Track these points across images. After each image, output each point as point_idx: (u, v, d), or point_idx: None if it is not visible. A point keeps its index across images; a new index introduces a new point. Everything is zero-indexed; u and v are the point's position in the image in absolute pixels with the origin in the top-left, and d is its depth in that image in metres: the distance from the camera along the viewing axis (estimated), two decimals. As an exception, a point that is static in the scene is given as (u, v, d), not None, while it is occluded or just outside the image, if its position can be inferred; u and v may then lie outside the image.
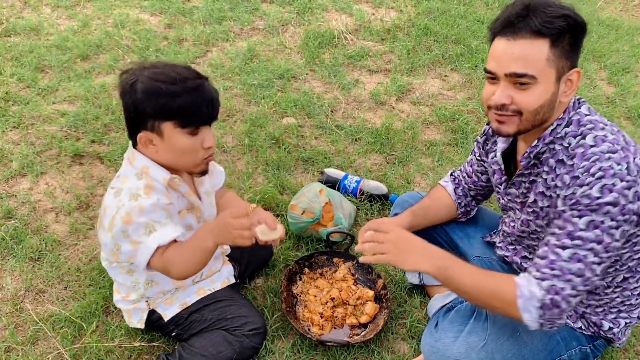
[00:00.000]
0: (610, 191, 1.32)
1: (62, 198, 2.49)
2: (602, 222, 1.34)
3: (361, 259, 1.56)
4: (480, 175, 1.89)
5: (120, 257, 1.62)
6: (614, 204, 1.33)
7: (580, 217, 1.36)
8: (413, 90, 3.39)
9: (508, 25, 1.39)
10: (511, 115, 1.44)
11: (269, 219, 1.63)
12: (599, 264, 1.37)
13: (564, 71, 1.41)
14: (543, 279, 1.40)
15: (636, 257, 1.52)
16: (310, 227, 2.26)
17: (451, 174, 2.01)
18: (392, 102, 3.28)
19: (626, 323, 1.65)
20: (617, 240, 1.37)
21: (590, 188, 1.34)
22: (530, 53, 1.37)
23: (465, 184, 1.94)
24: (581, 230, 1.36)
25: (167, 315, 1.79)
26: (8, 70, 3.37)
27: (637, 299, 1.63)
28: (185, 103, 1.48)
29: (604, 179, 1.33)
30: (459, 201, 1.96)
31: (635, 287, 1.60)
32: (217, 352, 1.74)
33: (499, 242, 1.87)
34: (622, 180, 1.33)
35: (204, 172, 1.67)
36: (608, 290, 1.58)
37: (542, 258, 1.42)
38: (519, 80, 1.39)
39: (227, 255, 1.99)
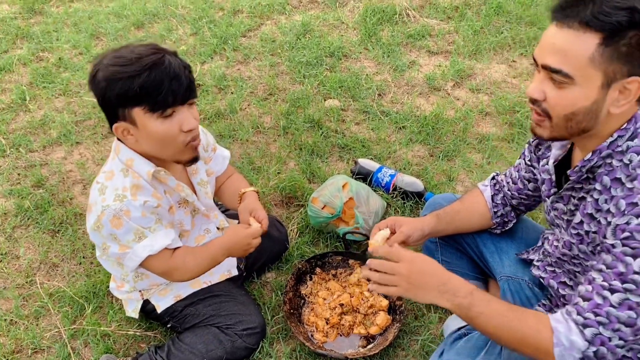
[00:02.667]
0: None
1: (92, 170, 2.49)
2: None
3: (370, 287, 1.38)
4: (527, 182, 1.64)
5: (108, 256, 1.56)
6: None
7: (634, 256, 1.12)
8: (474, 75, 3.09)
9: (559, 9, 1.14)
10: (542, 117, 1.22)
11: (241, 214, 1.72)
12: None
13: (615, 77, 1.13)
14: (586, 325, 1.18)
15: None
16: (330, 222, 2.10)
17: (493, 178, 1.77)
18: (448, 87, 3.00)
19: None
20: None
21: None
22: (572, 47, 1.11)
23: (507, 190, 1.70)
24: (635, 273, 1.12)
25: (160, 307, 1.72)
26: (64, 36, 3.42)
27: None
28: (144, 82, 1.34)
29: None
30: (495, 210, 1.72)
31: None
32: (206, 350, 1.66)
33: (537, 261, 1.62)
34: None
35: (193, 160, 1.53)
36: None
37: (586, 300, 1.19)
38: (553, 76, 1.15)
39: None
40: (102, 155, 2.54)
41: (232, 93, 2.97)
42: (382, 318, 1.82)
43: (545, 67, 1.16)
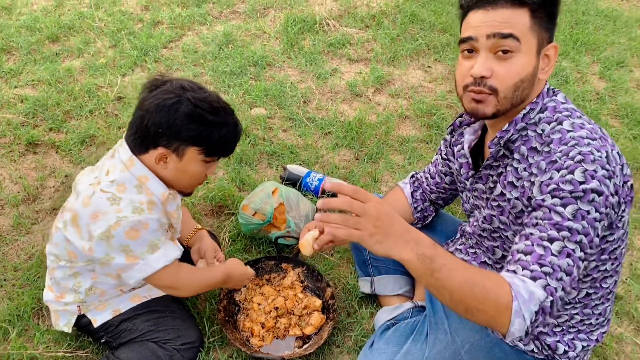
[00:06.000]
0: (593, 178, 1.17)
1: (10, 189, 2.39)
2: (588, 212, 1.17)
3: (326, 229, 1.10)
4: (444, 176, 1.75)
5: (107, 267, 1.55)
6: (598, 192, 1.17)
7: (564, 205, 1.18)
8: (392, 81, 3.23)
9: None
10: (488, 94, 1.29)
11: (209, 252, 1.81)
12: (583, 260, 1.18)
13: (543, 43, 1.28)
14: (535, 278, 1.15)
15: (602, 267, 1.38)
16: (262, 228, 2.14)
17: (412, 176, 1.87)
18: (369, 93, 3.12)
19: (583, 347, 1.51)
20: (597, 237, 1.20)
21: (572, 172, 1.18)
22: (513, 20, 1.24)
23: (426, 186, 1.81)
24: (569, 220, 1.17)
25: (97, 321, 1.69)
26: (-28, 51, 3.25)
27: (597, 319, 1.49)
28: (222, 136, 1.51)
29: (584, 163, 1.18)
30: (415, 205, 1.83)
31: (596, 305, 1.46)
32: (143, 366, 1.64)
33: (460, 245, 1.73)
34: (602, 168, 1.18)
35: (190, 194, 1.69)
36: (568, 306, 1.43)
37: (527, 253, 1.18)
38: (503, 43, 1.24)
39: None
40: (20, 174, 2.44)
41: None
42: (316, 318, 1.88)
43: (495, 35, 1.24)
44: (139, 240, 1.49)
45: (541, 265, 1.15)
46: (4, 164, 2.51)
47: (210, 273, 1.73)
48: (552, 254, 1.15)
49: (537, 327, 1.22)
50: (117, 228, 1.46)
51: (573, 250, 1.16)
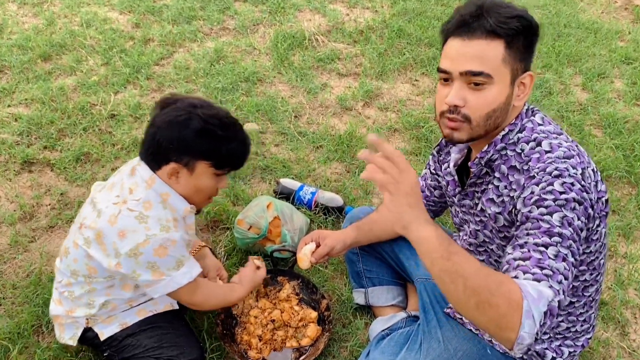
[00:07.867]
0: (571, 189, 1.24)
1: (5, 208, 2.41)
2: (572, 219, 1.22)
3: (367, 171, 1.17)
4: (433, 190, 1.82)
5: (130, 280, 1.60)
6: (579, 201, 1.23)
7: (550, 213, 1.22)
8: (381, 95, 3.31)
9: (462, 25, 1.33)
10: (461, 122, 1.37)
11: (211, 272, 1.86)
12: (574, 266, 1.21)
13: (517, 73, 1.35)
14: (538, 280, 1.14)
15: (582, 278, 1.45)
16: (257, 242, 2.18)
17: None
18: (359, 107, 3.19)
19: (570, 352, 1.57)
20: (581, 245, 1.25)
21: (551, 184, 1.25)
22: (486, 53, 1.31)
23: None
24: (558, 227, 1.21)
25: (103, 334, 1.71)
26: (-36, 71, 3.28)
27: (582, 325, 1.56)
28: (233, 150, 1.57)
29: (561, 177, 1.25)
30: None
31: (580, 313, 1.53)
32: (146, 382, 1.67)
33: None
34: (578, 183, 1.25)
35: (200, 211, 1.73)
36: None
37: (525, 259, 1.18)
38: (474, 79, 1.32)
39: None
40: (15, 192, 2.47)
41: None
42: (312, 329, 1.92)
43: (466, 73, 1.32)
44: (168, 257, 1.54)
45: (541, 268, 1.16)
46: (-1, 182, 2.54)
47: (231, 293, 1.80)
48: (550, 258, 1.17)
49: (543, 333, 1.13)
50: (146, 246, 1.51)
51: (566, 255, 1.19)
